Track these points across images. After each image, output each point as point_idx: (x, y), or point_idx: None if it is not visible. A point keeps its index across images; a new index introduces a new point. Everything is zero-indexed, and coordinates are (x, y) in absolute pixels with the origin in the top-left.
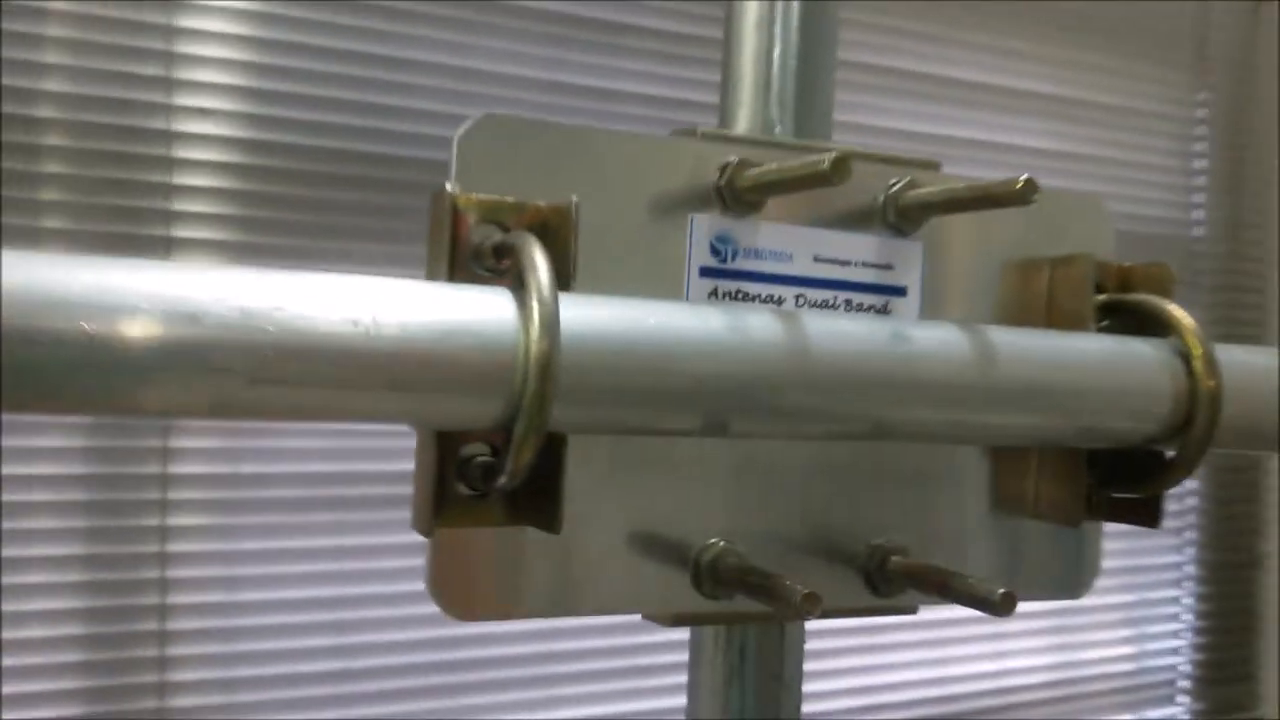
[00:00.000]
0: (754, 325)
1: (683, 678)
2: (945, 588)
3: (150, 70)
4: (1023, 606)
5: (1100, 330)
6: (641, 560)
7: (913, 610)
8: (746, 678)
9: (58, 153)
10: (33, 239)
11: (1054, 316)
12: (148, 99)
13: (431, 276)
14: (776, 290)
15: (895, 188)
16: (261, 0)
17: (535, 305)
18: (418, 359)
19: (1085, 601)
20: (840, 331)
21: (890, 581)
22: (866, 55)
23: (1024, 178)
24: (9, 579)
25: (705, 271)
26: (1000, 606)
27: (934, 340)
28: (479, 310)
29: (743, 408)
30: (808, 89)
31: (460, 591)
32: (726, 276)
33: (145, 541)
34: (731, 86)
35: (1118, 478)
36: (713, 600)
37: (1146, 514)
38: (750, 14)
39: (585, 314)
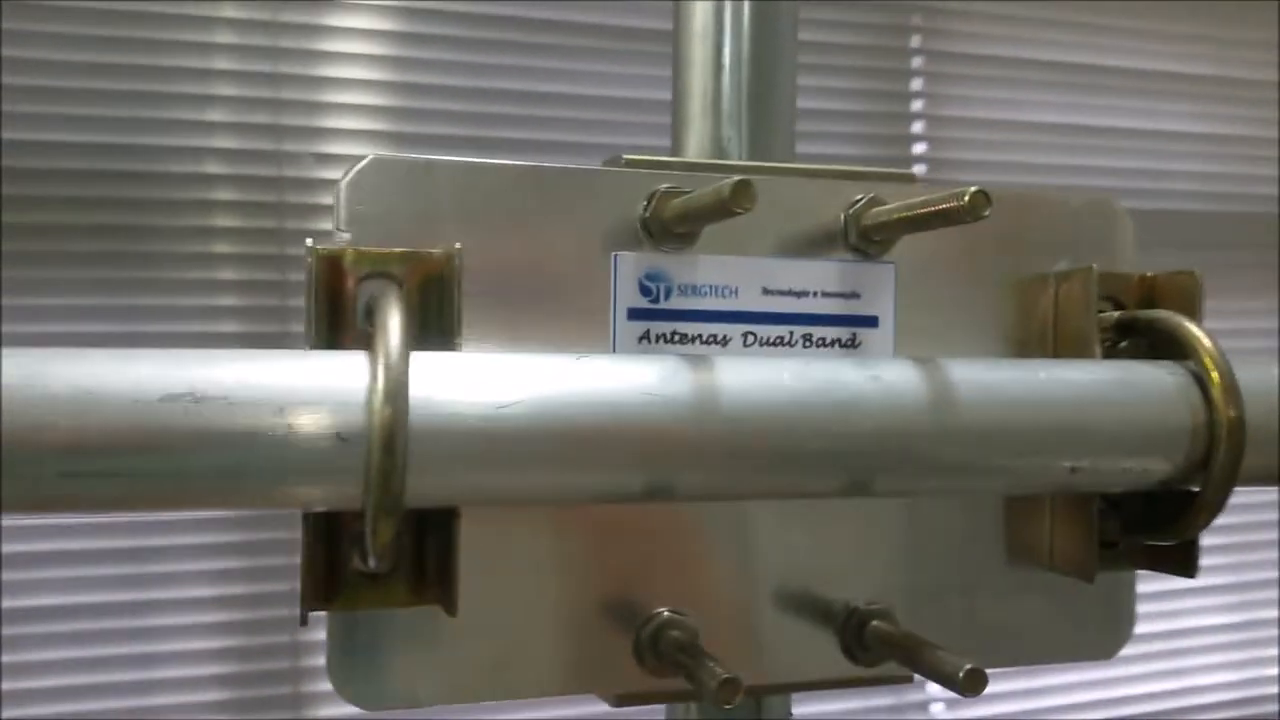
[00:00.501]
0: (663, 375)
1: None
2: (914, 659)
3: None
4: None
5: (1118, 353)
6: (586, 635)
7: (905, 680)
8: None
9: None
10: None
11: (1059, 341)
12: None
13: (309, 338)
14: (720, 329)
15: (857, 206)
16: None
17: (381, 370)
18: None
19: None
20: (750, 379)
21: (868, 649)
22: (1003, 49)
23: (971, 190)
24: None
25: (635, 314)
26: (964, 686)
27: (879, 380)
28: (330, 378)
29: (644, 466)
30: (763, 102)
31: (366, 675)
32: (660, 318)
33: None
34: (680, 103)
35: (1146, 522)
36: (659, 677)
37: (1181, 562)
38: (696, 18)
39: (456, 374)
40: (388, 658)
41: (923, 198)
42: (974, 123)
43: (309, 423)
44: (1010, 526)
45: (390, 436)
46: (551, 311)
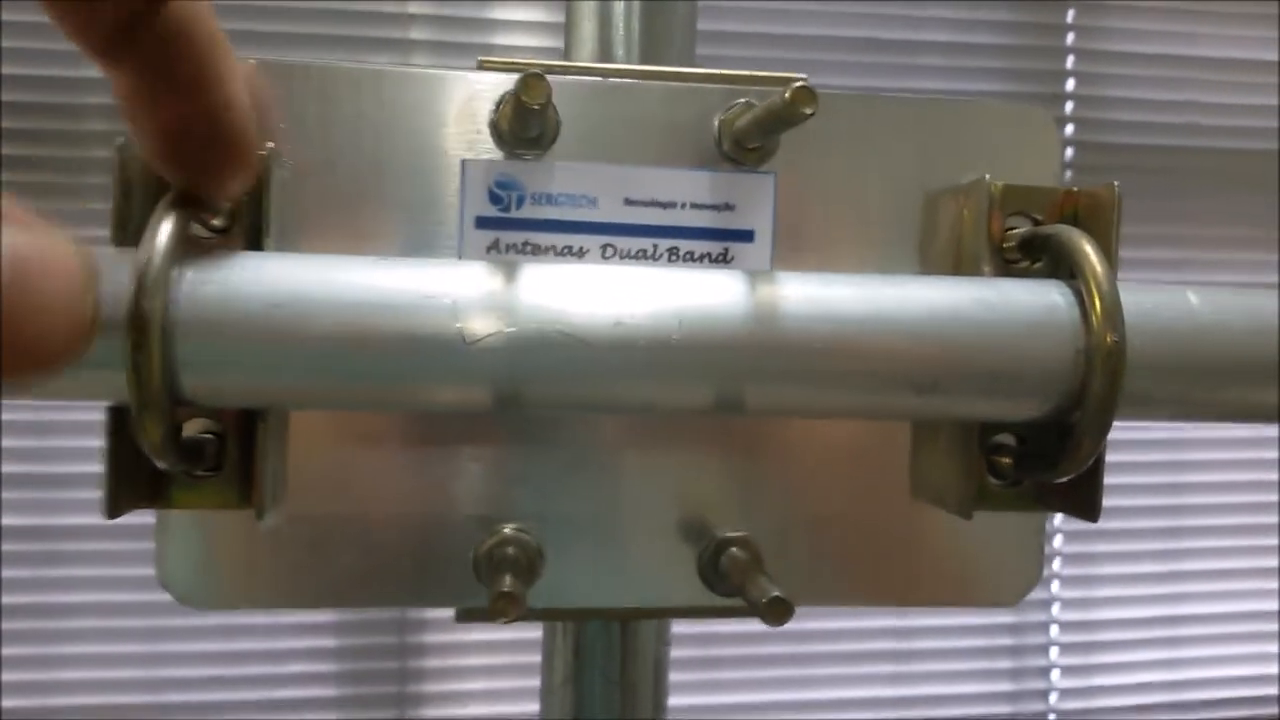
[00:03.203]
0: (449, 276)
1: None
2: (743, 588)
3: None
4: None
5: (1024, 273)
6: (427, 549)
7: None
8: (583, 679)
9: None
10: None
11: (960, 261)
12: None
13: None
14: (576, 240)
15: (731, 112)
16: None
17: (141, 264)
18: None
19: None
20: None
21: (723, 578)
22: None
23: (794, 85)
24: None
25: (483, 222)
26: (766, 614)
27: (694, 287)
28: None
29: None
30: (658, 14)
31: (194, 574)
32: (510, 227)
33: None
34: (572, 10)
35: (1040, 458)
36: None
37: (1080, 503)
38: None
39: (239, 272)
40: (219, 558)
41: (765, 101)
42: (1130, 58)
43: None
44: (915, 459)
45: (141, 331)
46: (398, 220)
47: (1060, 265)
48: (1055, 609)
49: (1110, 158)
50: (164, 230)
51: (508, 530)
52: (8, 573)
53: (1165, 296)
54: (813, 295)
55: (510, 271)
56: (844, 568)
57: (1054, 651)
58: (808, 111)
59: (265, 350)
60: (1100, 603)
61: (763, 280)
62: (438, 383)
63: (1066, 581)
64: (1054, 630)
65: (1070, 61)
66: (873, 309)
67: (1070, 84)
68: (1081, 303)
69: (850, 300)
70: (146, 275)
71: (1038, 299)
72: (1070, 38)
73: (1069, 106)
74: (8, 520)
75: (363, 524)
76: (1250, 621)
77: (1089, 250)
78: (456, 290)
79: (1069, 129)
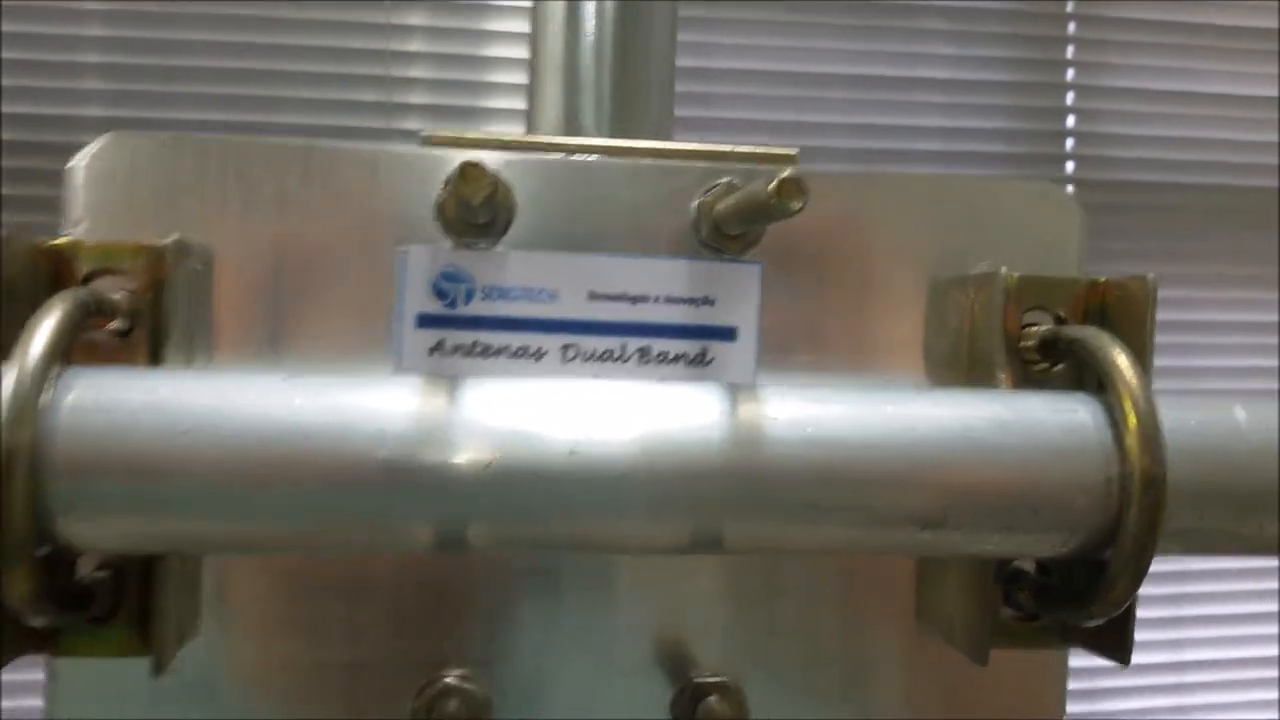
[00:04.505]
0: (402, 397)
1: None
2: None
3: None
4: None
5: (1045, 380)
6: (354, 703)
7: None
8: None
9: None
10: None
11: (971, 362)
12: None
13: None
14: (532, 340)
15: (711, 193)
16: None
17: (9, 389)
18: None
19: None
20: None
21: None
22: (1163, 13)
23: (781, 177)
24: None
25: (426, 320)
26: None
27: (668, 403)
28: None
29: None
30: (629, 69)
31: None
32: (458, 325)
33: None
34: (535, 69)
35: (1064, 595)
36: None
37: (1110, 642)
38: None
39: (130, 393)
40: (116, 709)
41: (748, 187)
42: (1132, 94)
43: None
44: (921, 585)
45: (5, 471)
46: (324, 317)
47: (1087, 371)
48: None
49: (1111, 196)
50: (38, 344)
51: (449, 679)
52: None
53: (1209, 414)
54: (801, 416)
55: (446, 389)
56: (847, 711)
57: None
58: (795, 207)
59: (154, 492)
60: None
61: (743, 396)
62: (362, 525)
63: None
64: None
65: (1070, 98)
66: (871, 432)
67: (1070, 120)
68: (1114, 422)
69: (845, 421)
70: (14, 401)
71: (1062, 418)
72: (1070, 74)
73: (1069, 143)
74: None
75: (273, 673)
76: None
77: (1121, 362)
78: (383, 415)
79: (1069, 166)
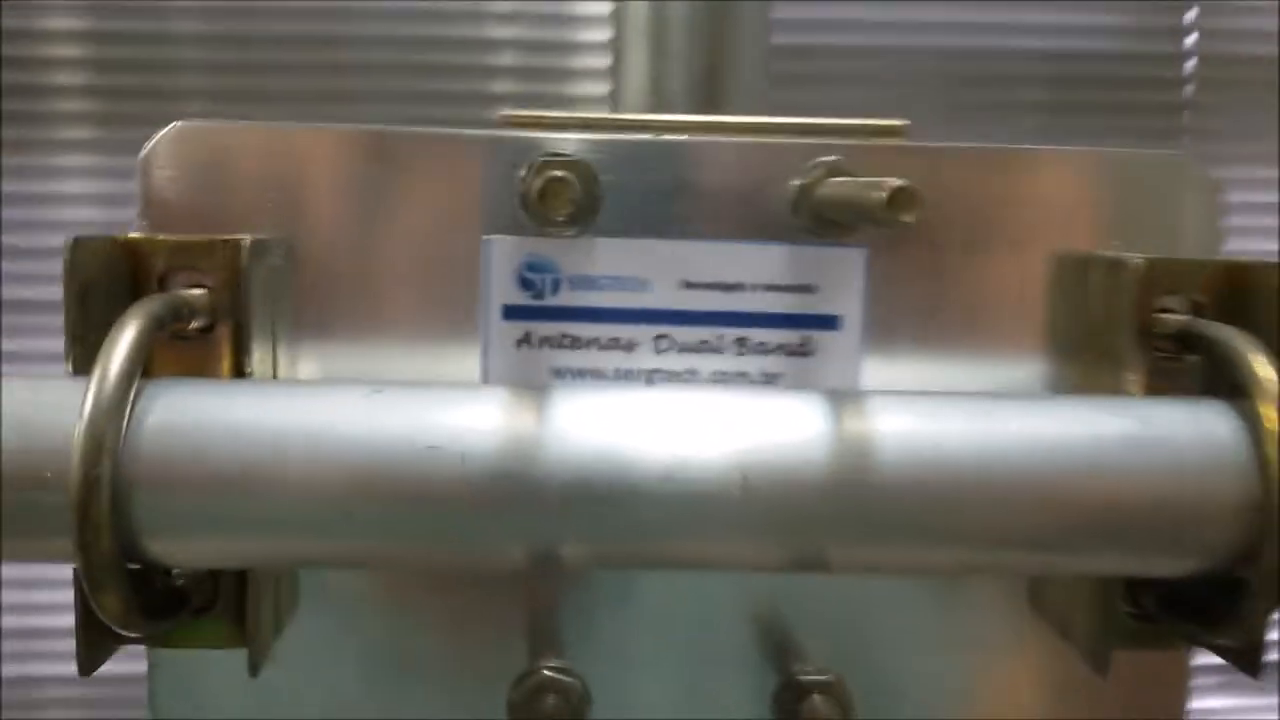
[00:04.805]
0: (485, 412)
1: None
2: None
3: None
4: None
5: (1177, 372)
6: (452, 694)
7: None
8: None
9: None
10: None
11: (1098, 355)
12: None
13: (67, 356)
14: (623, 332)
15: (812, 174)
16: None
17: (89, 403)
18: None
19: None
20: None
21: None
22: None
23: (893, 186)
24: None
25: (512, 312)
26: None
27: (755, 408)
28: (50, 412)
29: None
30: (719, 34)
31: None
32: (544, 316)
33: None
34: (621, 35)
35: (1194, 604)
36: None
37: (1242, 655)
38: None
39: (210, 406)
40: (218, 696)
41: (855, 188)
42: None
43: (19, 466)
44: (1035, 578)
45: (87, 500)
46: (408, 312)
47: (1222, 370)
48: None
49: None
50: (115, 364)
51: (547, 671)
52: None
53: None
54: (911, 431)
55: (535, 403)
56: (958, 706)
57: None
58: (908, 220)
59: (239, 511)
60: None
61: (848, 409)
62: (452, 545)
63: None
64: None
65: None
66: (988, 451)
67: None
68: (1256, 441)
69: (959, 438)
70: (96, 418)
71: (1197, 433)
72: None
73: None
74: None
75: (367, 666)
76: None
77: (1265, 375)
78: (474, 432)
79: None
